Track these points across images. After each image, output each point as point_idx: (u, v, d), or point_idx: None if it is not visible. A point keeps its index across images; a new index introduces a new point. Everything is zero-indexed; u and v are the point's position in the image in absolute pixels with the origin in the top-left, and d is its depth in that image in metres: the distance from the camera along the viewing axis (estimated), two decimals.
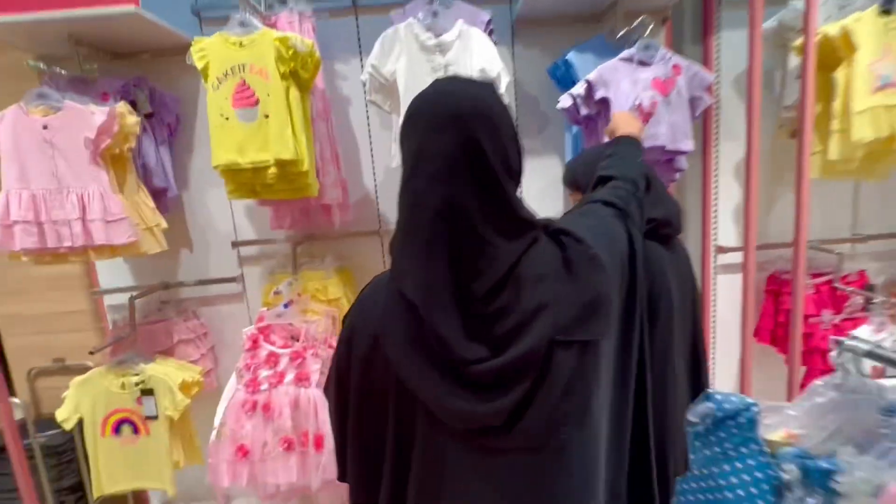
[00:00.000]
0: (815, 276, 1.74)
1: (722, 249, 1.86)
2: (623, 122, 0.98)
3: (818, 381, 0.67)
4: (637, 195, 0.76)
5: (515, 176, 0.60)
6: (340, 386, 0.65)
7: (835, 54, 1.43)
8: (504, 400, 0.54)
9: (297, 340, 1.40)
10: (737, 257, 1.87)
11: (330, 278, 1.60)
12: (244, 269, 1.80)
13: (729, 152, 1.81)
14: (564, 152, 1.71)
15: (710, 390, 0.67)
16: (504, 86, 1.42)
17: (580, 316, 0.56)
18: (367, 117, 1.71)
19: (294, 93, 1.29)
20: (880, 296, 1.51)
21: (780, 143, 1.73)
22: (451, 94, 0.57)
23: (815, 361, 1.63)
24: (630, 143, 0.91)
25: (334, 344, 1.55)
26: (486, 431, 0.56)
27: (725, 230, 1.88)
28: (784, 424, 0.65)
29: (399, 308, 0.57)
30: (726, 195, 1.86)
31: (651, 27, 1.33)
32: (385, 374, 0.59)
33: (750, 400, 0.67)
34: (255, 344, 1.37)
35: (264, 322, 1.40)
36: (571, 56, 1.48)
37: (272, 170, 1.29)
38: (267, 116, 1.28)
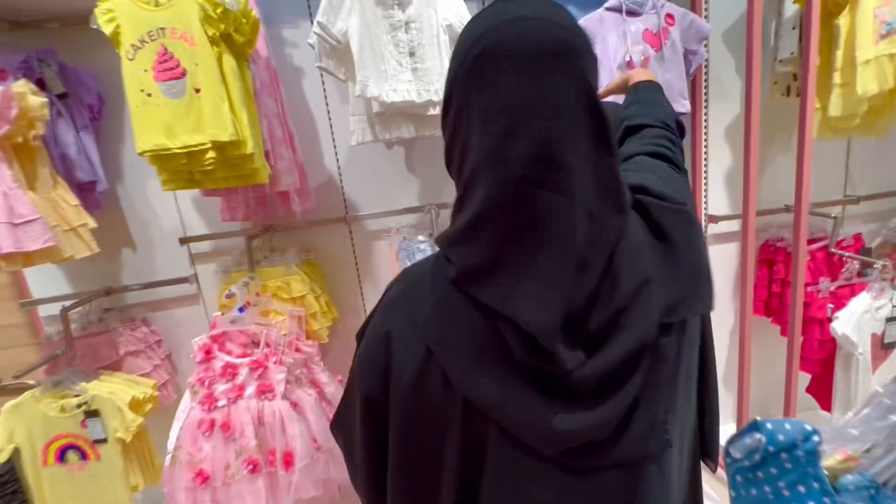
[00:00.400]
0: (810, 241, 1.66)
1: (713, 219, 1.76)
2: (637, 71, 0.86)
3: (878, 388, 0.55)
4: (677, 143, 0.66)
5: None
6: (372, 414, 0.51)
7: None
8: (611, 407, 0.43)
9: (258, 347, 1.24)
10: (729, 226, 1.78)
11: (293, 273, 1.44)
12: (197, 267, 1.61)
13: (719, 114, 1.69)
14: None
15: (757, 418, 0.55)
16: None
17: (686, 289, 0.45)
18: (324, 90, 1.51)
19: (229, 61, 1.10)
20: (880, 260, 1.43)
21: (771, 103, 1.61)
22: (544, 19, 0.41)
23: (813, 331, 1.56)
24: (651, 87, 0.77)
25: (302, 348, 1.42)
26: (583, 449, 0.44)
27: (716, 198, 1.77)
28: (839, 442, 0.54)
29: (464, 311, 0.44)
30: (717, 161, 1.74)
31: None
32: (443, 393, 0.46)
33: (809, 427, 0.55)
34: (208, 355, 1.21)
35: (217, 329, 1.24)
36: None
37: (210, 154, 1.10)
38: (198, 91, 1.08)
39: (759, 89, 1.38)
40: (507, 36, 0.40)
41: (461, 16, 1.17)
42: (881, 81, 1.28)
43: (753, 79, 1.34)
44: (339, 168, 1.59)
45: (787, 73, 1.54)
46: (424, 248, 1.51)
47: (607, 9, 1.13)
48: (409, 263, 1.54)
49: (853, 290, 1.53)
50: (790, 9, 1.47)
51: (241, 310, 1.25)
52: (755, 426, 0.55)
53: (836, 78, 1.33)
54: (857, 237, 1.66)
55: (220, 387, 1.19)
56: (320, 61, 1.16)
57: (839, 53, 1.32)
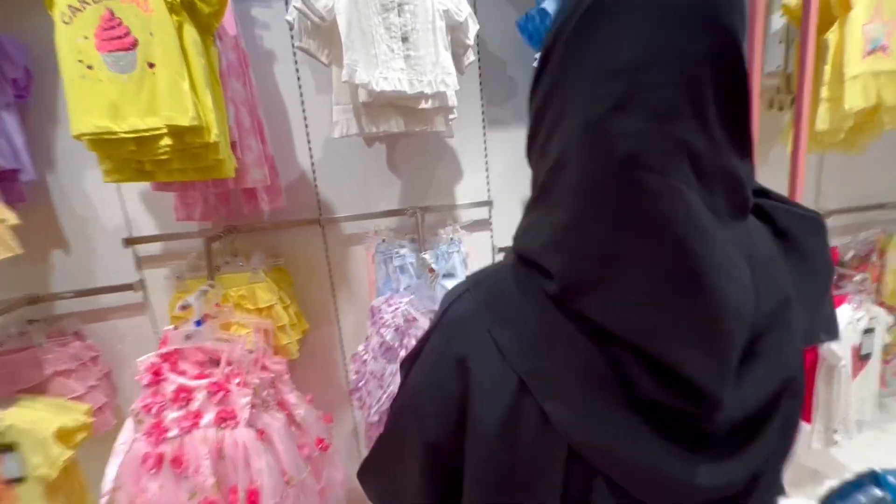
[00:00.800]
0: None
1: None
2: None
3: None
4: None
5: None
6: (438, 464, 0.41)
7: (827, 13, 1.31)
8: (755, 455, 0.34)
9: (218, 366, 1.08)
10: None
11: (259, 281, 1.28)
12: (145, 272, 1.41)
13: None
14: None
15: (876, 469, 0.48)
16: (472, 36, 1.15)
17: (820, 310, 0.39)
18: (298, 77, 1.37)
19: (191, 34, 0.94)
20: (859, 273, 1.45)
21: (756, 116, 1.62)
22: None
23: None
24: None
25: (269, 365, 1.25)
26: None
27: None
28: None
29: (568, 334, 0.36)
30: None
31: None
32: (539, 438, 0.37)
33: None
34: (156, 377, 1.03)
35: (169, 346, 1.06)
36: (548, 5, 1.23)
37: (165, 141, 0.94)
38: (151, 65, 0.91)
39: (758, 106, 1.37)
40: None
41: (459, 2, 1.07)
42: (867, 98, 1.30)
43: (754, 96, 1.33)
44: (312, 164, 1.44)
45: (771, 86, 1.55)
46: (404, 254, 1.39)
47: None
48: (385, 268, 1.42)
49: None
50: (777, 23, 1.48)
51: (198, 323, 1.08)
52: (874, 479, 0.48)
53: (824, 92, 1.34)
54: (833, 250, 1.70)
55: (172, 414, 1.01)
56: (300, 41, 1.02)
57: (827, 68, 1.33)
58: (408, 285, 1.35)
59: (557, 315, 0.36)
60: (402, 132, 1.13)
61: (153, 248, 1.40)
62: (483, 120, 1.52)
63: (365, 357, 1.14)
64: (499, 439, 0.38)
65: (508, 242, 1.65)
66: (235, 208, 1.34)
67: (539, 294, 0.37)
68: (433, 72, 1.07)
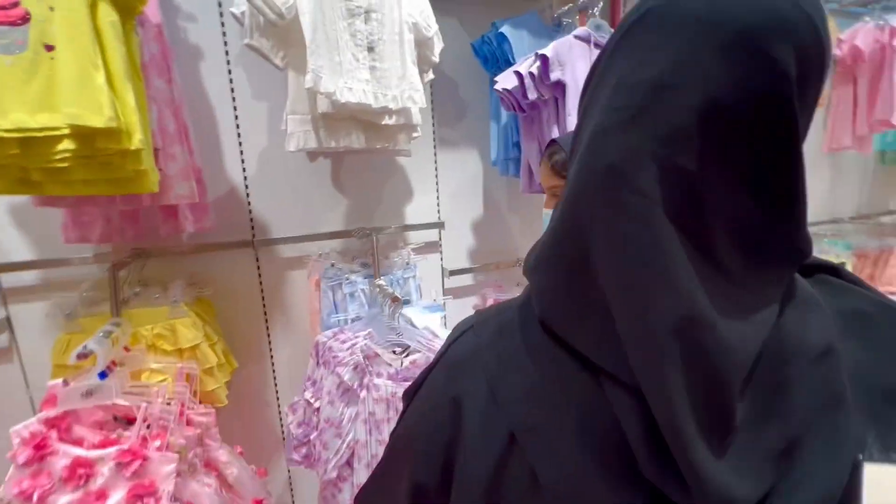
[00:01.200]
0: None
1: None
2: None
3: None
4: None
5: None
6: (420, 499, 0.39)
7: None
8: None
9: (131, 426, 0.86)
10: None
11: (181, 316, 1.06)
12: (12, 308, 1.10)
13: None
14: (489, 146, 1.47)
15: None
16: (438, 53, 1.10)
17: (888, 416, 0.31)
18: (230, 80, 1.20)
19: (108, 14, 0.75)
20: None
21: None
22: None
23: None
24: None
25: (195, 419, 1.04)
26: None
27: None
28: None
29: (569, 380, 0.33)
30: None
31: (600, 4, 1.17)
32: (528, 497, 0.33)
33: None
34: (40, 450, 0.78)
35: (60, 407, 0.82)
36: (507, 30, 1.24)
37: (65, 144, 0.73)
38: (50, 48, 0.71)
39: None
40: None
41: (427, 14, 1.01)
42: None
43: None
44: (245, 179, 1.27)
45: None
46: (355, 280, 1.28)
47: (576, 37, 1.10)
48: (332, 296, 1.29)
49: None
50: None
51: (102, 374, 0.85)
52: None
53: None
54: None
55: (63, 499, 0.77)
56: (251, 38, 0.88)
57: None
58: (357, 315, 1.23)
59: (556, 353, 0.34)
60: (363, 148, 1.03)
61: (26, 278, 1.10)
62: (434, 140, 1.47)
63: (317, 404, 0.99)
64: (485, 494, 0.35)
65: (459, 265, 1.59)
66: (148, 228, 1.11)
67: (540, 332, 0.35)
68: (399, 86, 1.00)
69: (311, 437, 1.00)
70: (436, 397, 0.39)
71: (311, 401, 1.03)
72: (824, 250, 1.96)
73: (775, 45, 0.27)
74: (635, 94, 0.30)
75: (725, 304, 0.29)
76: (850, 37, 1.70)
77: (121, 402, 0.85)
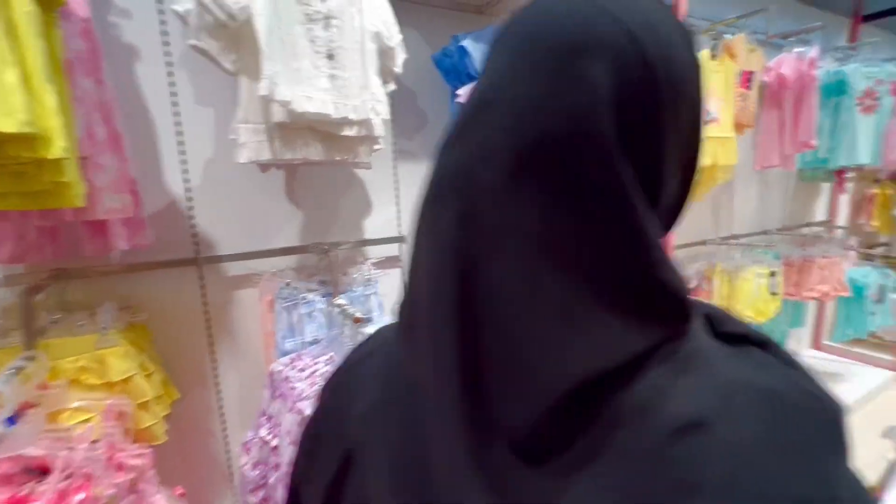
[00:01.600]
0: None
1: None
2: None
3: None
4: None
5: (664, 186, 0.29)
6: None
7: None
8: None
9: (42, 479, 0.74)
10: None
11: (111, 345, 0.94)
12: None
13: None
14: None
15: None
16: (400, 64, 1.07)
17: None
18: (172, 83, 1.10)
19: (22, 3, 0.66)
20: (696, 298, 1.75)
21: None
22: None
23: None
24: None
25: (127, 462, 0.91)
26: None
27: None
28: None
29: (406, 400, 0.34)
30: None
31: None
32: None
33: None
34: None
35: None
36: (468, 43, 1.23)
37: None
38: None
39: None
40: (529, 15, 0.29)
41: (389, 24, 0.98)
42: (707, 157, 1.61)
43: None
44: (188, 191, 1.16)
45: None
46: (312, 299, 1.20)
47: None
48: (288, 317, 1.20)
49: None
50: None
51: (10, 420, 0.73)
52: None
53: None
54: None
55: None
56: (197, 39, 0.79)
57: None
58: (315, 338, 1.16)
59: (397, 384, 0.35)
60: (321, 160, 0.97)
61: None
62: (393, 151, 1.43)
63: (274, 442, 0.91)
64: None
65: None
66: (70, 246, 0.98)
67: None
68: (360, 96, 0.95)
69: (271, 479, 0.91)
70: (321, 397, 0.43)
71: (268, 438, 0.94)
72: (757, 260, 2.11)
73: (584, 61, 0.26)
74: (465, 110, 0.30)
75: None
76: (776, 65, 1.86)
77: (32, 451, 0.73)
